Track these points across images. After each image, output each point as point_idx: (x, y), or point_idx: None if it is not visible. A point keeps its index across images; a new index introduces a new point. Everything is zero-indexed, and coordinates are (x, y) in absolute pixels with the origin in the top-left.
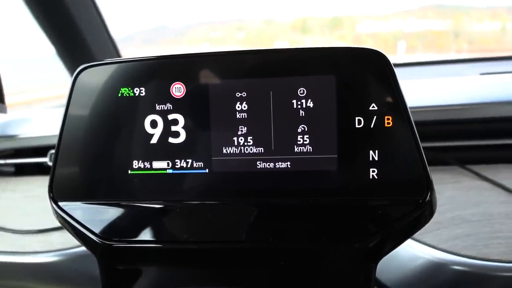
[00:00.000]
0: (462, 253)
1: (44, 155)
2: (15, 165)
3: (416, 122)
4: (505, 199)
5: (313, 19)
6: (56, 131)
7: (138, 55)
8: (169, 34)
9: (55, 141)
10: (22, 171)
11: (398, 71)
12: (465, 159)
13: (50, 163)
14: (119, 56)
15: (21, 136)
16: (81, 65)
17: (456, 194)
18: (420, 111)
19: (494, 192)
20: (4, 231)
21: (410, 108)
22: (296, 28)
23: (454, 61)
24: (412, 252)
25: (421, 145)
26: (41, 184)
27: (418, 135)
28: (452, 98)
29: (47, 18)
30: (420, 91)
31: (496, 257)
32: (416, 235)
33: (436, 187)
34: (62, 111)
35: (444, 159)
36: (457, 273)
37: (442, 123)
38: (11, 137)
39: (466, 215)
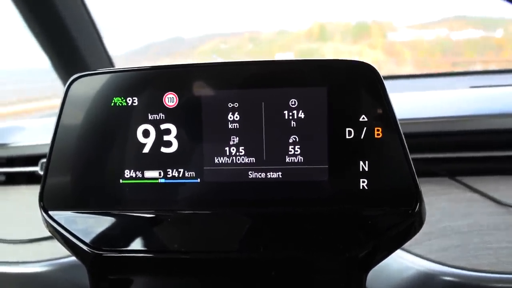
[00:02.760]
0: (451, 264)
1: (35, 164)
2: (6, 174)
3: (407, 134)
4: (494, 211)
5: (332, 25)
6: (48, 140)
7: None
8: (183, 46)
9: (46, 150)
10: (13, 180)
11: (390, 83)
12: (455, 171)
13: (41, 172)
14: (112, 66)
15: (12, 145)
16: (74, 74)
17: (446, 205)
18: (411, 123)
19: (483, 204)
20: None
21: (402, 120)
22: (312, 36)
23: (445, 74)
24: (402, 263)
25: (412, 156)
26: (32, 193)
27: (409, 147)
28: (442, 110)
29: (41, 28)
30: (411, 104)
31: (485, 268)
32: (406, 245)
33: (427, 198)
34: (54, 120)
35: (434, 170)
36: (447, 284)
37: (433, 135)
38: (2, 146)
39: (456, 226)
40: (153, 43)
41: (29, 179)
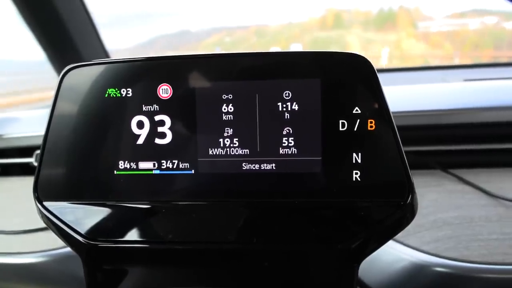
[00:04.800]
0: (443, 255)
1: (30, 156)
2: (0, 165)
3: (401, 127)
4: (485, 203)
5: (348, 13)
6: (42, 132)
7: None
8: (190, 39)
9: (40, 141)
10: (7, 171)
11: (386, 76)
12: (448, 163)
13: (36, 164)
14: (107, 57)
15: (6, 136)
16: (67, 63)
17: (438, 197)
18: (405, 116)
19: (475, 196)
20: None
21: (396, 112)
22: (326, 25)
23: (440, 67)
24: (395, 254)
25: (406, 149)
26: (26, 184)
27: (403, 140)
28: (436, 103)
29: (36, 19)
30: (405, 97)
31: (476, 259)
32: (399, 237)
33: (419, 190)
34: (48, 111)
35: (427, 163)
36: (439, 274)
37: (426, 128)
38: None
39: (448, 218)
40: (160, 36)
41: (24, 170)
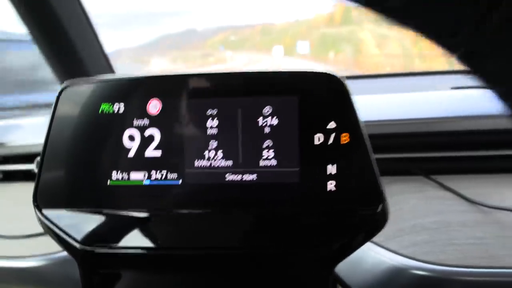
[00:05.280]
0: (421, 258)
1: (31, 162)
2: (3, 171)
3: (385, 135)
4: (463, 209)
5: (357, 9)
6: (42, 139)
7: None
8: (195, 38)
9: (41, 149)
10: (10, 177)
11: (370, 82)
12: (431, 170)
13: (37, 170)
14: (112, 70)
15: (9, 144)
16: (73, 78)
17: (419, 203)
18: (390, 124)
19: (454, 202)
20: None
21: (380, 121)
22: (333, 22)
23: (427, 73)
24: (376, 257)
25: (390, 156)
26: (28, 189)
27: (388, 147)
28: (421, 112)
29: (42, 35)
30: (390, 105)
31: (451, 263)
32: (380, 240)
33: (401, 196)
34: (47, 121)
35: (411, 169)
36: (417, 277)
37: (410, 135)
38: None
39: (427, 223)
40: (167, 35)
41: (26, 176)
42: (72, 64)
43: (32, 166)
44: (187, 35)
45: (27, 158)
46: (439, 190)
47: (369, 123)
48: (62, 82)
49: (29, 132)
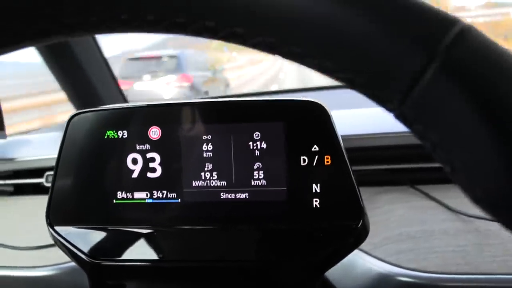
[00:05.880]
0: (405, 265)
1: (41, 176)
2: (14, 185)
3: (375, 147)
4: (446, 217)
5: None
6: (51, 154)
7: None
8: (201, 39)
9: (50, 163)
10: (20, 191)
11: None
12: (417, 180)
13: (46, 184)
14: (123, 96)
15: (19, 159)
16: (88, 104)
17: (405, 212)
18: (378, 137)
19: (438, 211)
20: (5, 247)
21: (370, 134)
22: None
23: None
24: (364, 264)
25: (378, 167)
26: (38, 203)
27: (376, 159)
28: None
29: (59, 67)
30: (378, 119)
31: (432, 269)
32: (368, 248)
33: (389, 206)
34: (57, 135)
35: (398, 180)
36: (402, 283)
37: (397, 147)
38: (10, 160)
39: (411, 231)
40: (173, 37)
41: (35, 189)
42: (86, 92)
43: (42, 180)
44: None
45: (37, 172)
46: (424, 199)
47: (359, 137)
48: (76, 107)
49: (38, 147)
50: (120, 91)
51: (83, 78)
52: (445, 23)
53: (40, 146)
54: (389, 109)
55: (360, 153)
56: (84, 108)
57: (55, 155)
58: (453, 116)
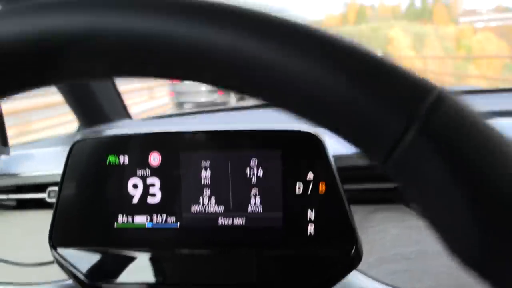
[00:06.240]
0: (400, 286)
1: (43, 191)
2: (17, 200)
3: (368, 165)
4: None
5: (370, 9)
6: (54, 170)
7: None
8: None
9: (53, 179)
10: (22, 205)
11: None
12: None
13: (48, 199)
14: (127, 112)
15: (22, 174)
16: (94, 121)
17: (400, 232)
18: None
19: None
20: (7, 263)
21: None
22: (348, 20)
23: None
24: (360, 285)
25: (374, 186)
26: (40, 218)
27: (373, 178)
28: None
29: (66, 86)
30: None
31: None
32: (365, 268)
33: (383, 225)
34: (59, 150)
35: (392, 198)
36: None
37: None
38: (13, 175)
39: (406, 252)
40: None
41: (37, 205)
42: (94, 111)
43: (44, 195)
44: None
45: (39, 187)
46: (419, 219)
47: (354, 155)
48: (84, 124)
49: (41, 162)
50: (124, 107)
51: (88, 94)
52: (423, 90)
53: (43, 162)
54: (374, 163)
55: (355, 171)
56: (89, 124)
57: (58, 171)
58: (430, 176)
